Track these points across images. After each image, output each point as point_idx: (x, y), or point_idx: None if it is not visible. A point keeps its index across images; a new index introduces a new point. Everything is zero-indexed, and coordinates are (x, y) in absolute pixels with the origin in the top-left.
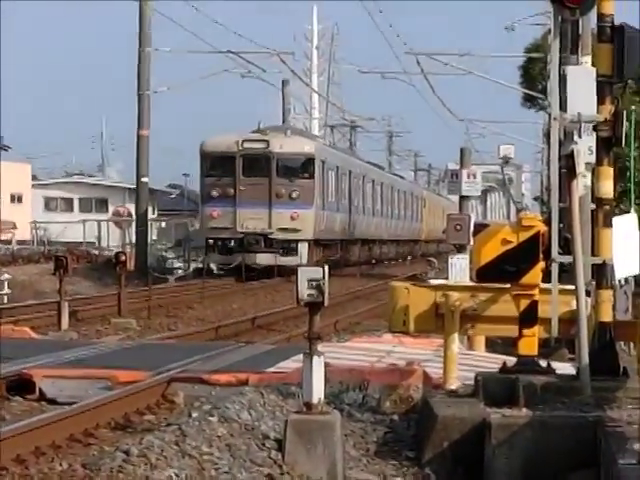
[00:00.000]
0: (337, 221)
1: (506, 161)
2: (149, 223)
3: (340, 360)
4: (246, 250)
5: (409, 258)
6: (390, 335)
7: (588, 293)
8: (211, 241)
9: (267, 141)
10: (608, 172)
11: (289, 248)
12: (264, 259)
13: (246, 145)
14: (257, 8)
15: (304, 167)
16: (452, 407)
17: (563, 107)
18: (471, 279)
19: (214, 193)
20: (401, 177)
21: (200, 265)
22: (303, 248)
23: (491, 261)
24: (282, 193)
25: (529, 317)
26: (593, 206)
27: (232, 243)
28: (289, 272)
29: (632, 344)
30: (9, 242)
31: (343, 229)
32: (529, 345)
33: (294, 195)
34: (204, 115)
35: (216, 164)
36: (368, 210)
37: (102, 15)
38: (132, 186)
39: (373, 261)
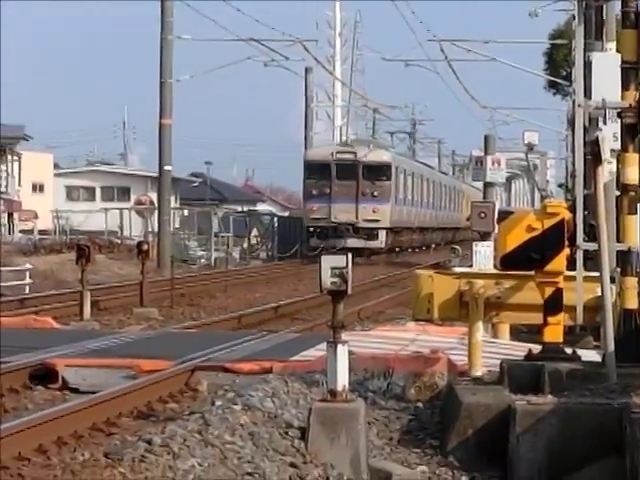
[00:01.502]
0: (405, 213)
1: (530, 148)
2: (171, 212)
3: (364, 348)
4: (338, 236)
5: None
6: (414, 323)
7: (613, 280)
8: (311, 229)
9: (354, 152)
10: (633, 158)
11: (371, 234)
12: (352, 243)
13: (338, 155)
14: None
15: (383, 172)
16: (477, 394)
17: (587, 94)
18: (495, 267)
19: (314, 192)
20: (445, 174)
21: (222, 254)
22: (382, 234)
23: (516, 248)
24: (366, 192)
25: (554, 304)
26: (618, 193)
27: (328, 230)
28: (370, 253)
29: None
30: (31, 231)
31: (409, 219)
32: (554, 332)
33: (375, 193)
34: (227, 103)
35: (315, 170)
36: (424, 203)
37: (124, 3)
38: (154, 174)
39: (431, 245)
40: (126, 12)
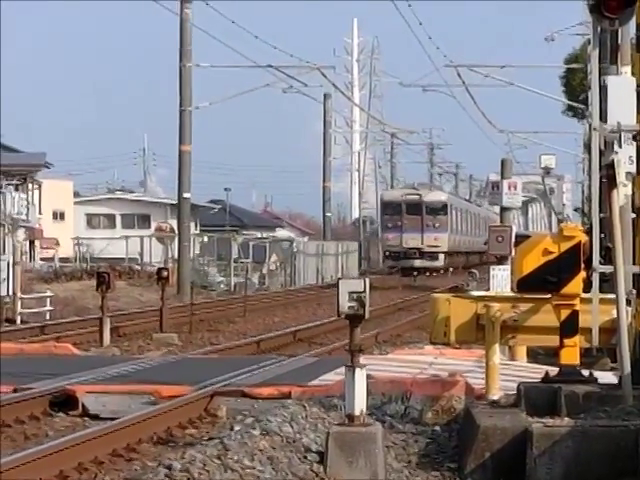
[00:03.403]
0: (457, 240)
1: (547, 171)
2: (191, 238)
3: (382, 372)
4: (408, 258)
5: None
6: (431, 347)
7: (629, 302)
8: (387, 253)
9: (420, 194)
10: None
11: (433, 256)
12: (418, 263)
13: (407, 196)
14: (297, 22)
15: (442, 209)
16: (494, 417)
17: (603, 117)
18: (512, 290)
19: (389, 225)
20: (479, 205)
21: (242, 280)
22: (441, 256)
23: (532, 271)
24: (429, 224)
25: (570, 327)
26: (634, 215)
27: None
28: (432, 270)
29: None
30: (52, 259)
31: (459, 245)
32: (571, 355)
33: (436, 225)
34: (246, 130)
35: (390, 207)
36: (468, 232)
37: (143, 32)
38: (174, 202)
39: (472, 265)
40: (143, 40)
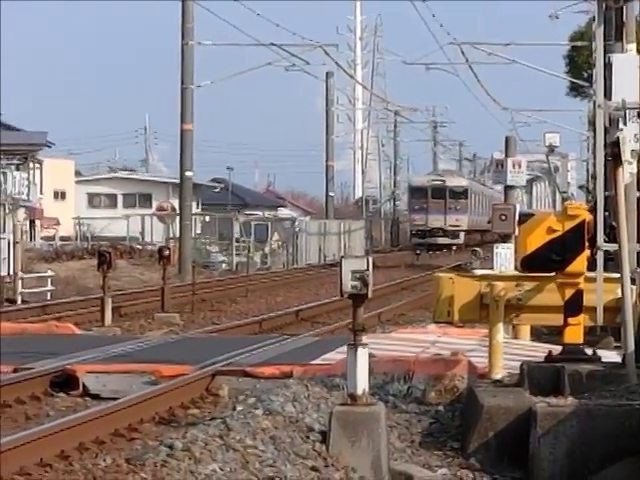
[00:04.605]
0: (475, 220)
1: (551, 150)
2: (193, 217)
3: (385, 351)
4: (432, 236)
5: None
6: (435, 326)
7: (633, 281)
8: (414, 232)
9: (444, 180)
10: None
11: (454, 235)
12: (442, 240)
13: (433, 182)
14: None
15: (463, 193)
16: (497, 397)
17: (608, 95)
18: (516, 268)
19: (416, 207)
20: (491, 188)
21: (244, 259)
22: (462, 235)
23: (536, 250)
24: (451, 207)
25: (574, 306)
26: (639, 194)
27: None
28: (454, 247)
29: None
30: (52, 238)
31: (476, 224)
32: (575, 333)
33: (458, 208)
34: (248, 108)
35: (417, 191)
36: (482, 212)
37: (145, 9)
38: (176, 181)
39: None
40: (145, 18)
